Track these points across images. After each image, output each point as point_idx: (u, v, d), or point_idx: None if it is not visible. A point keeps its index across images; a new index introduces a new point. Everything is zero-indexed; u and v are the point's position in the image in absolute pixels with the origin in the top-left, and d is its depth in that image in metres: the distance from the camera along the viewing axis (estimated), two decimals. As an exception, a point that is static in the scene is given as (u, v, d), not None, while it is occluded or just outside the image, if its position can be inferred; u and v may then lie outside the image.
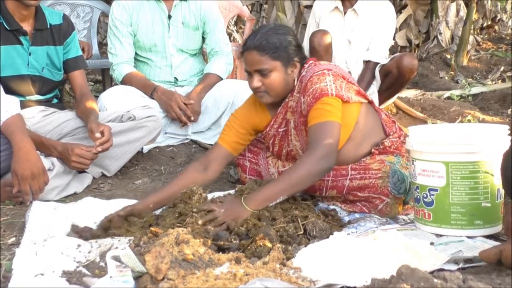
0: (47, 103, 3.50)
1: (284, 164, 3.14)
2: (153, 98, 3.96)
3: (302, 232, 2.48)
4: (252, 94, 3.01)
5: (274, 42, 2.79)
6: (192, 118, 3.94)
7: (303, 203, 2.75)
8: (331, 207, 2.87)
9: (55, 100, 3.59)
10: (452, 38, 7.35)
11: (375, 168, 2.84)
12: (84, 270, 2.17)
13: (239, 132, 3.05)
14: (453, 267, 2.11)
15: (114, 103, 3.72)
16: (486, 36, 8.33)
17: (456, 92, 5.81)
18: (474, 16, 7.42)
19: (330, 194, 2.92)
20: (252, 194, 2.60)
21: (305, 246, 2.32)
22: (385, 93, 4.51)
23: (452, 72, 6.80)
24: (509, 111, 5.26)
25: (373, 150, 2.96)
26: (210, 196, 2.76)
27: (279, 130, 3.04)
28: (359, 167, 2.87)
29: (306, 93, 2.81)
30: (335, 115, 2.73)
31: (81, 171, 3.30)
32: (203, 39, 4.26)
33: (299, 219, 2.53)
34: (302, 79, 2.86)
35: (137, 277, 2.04)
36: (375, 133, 3.01)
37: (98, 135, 3.14)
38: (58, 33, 3.45)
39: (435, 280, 1.57)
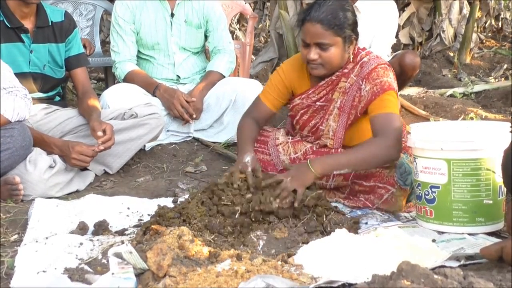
0: (49, 100, 3.51)
1: (295, 150, 3.14)
2: (155, 96, 3.96)
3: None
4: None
5: (339, 17, 2.81)
6: (194, 116, 3.94)
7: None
8: (334, 204, 2.87)
9: (57, 98, 3.60)
10: (455, 36, 7.33)
11: None
12: (86, 267, 2.18)
13: (280, 92, 3.12)
14: (455, 264, 2.11)
15: (116, 101, 3.72)
16: (489, 34, 8.30)
17: (458, 90, 5.79)
18: (478, 14, 7.40)
19: (336, 181, 2.93)
20: (319, 158, 2.74)
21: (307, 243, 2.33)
22: (387, 91, 4.50)
23: (455, 70, 6.78)
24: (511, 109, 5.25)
25: None
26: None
27: (317, 103, 3.05)
28: None
29: (370, 81, 2.85)
30: (397, 109, 2.85)
31: (84, 169, 3.30)
32: (206, 37, 4.26)
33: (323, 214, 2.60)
34: (363, 64, 2.91)
35: (139, 274, 2.05)
36: None
37: (100, 133, 3.14)
38: (60, 31, 3.46)
39: (436, 277, 1.57)
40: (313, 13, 2.81)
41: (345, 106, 2.96)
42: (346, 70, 2.96)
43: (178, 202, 2.84)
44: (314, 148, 3.09)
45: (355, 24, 2.90)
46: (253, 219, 2.50)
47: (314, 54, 2.85)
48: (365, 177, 2.87)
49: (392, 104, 2.81)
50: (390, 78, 2.87)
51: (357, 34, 2.93)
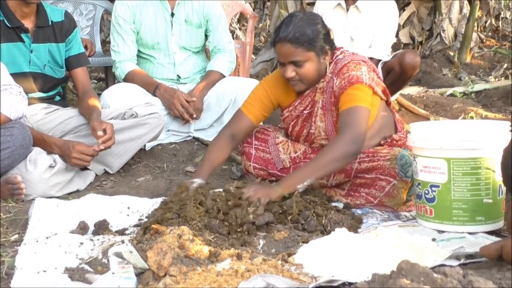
0: (49, 100, 3.51)
1: (295, 149, 3.15)
2: (155, 96, 3.96)
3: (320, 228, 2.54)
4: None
5: (307, 33, 2.83)
6: (194, 116, 3.94)
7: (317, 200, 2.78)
8: (334, 203, 2.87)
9: (57, 98, 3.60)
10: (455, 35, 7.33)
11: (384, 152, 2.89)
12: (87, 267, 2.18)
13: (264, 104, 3.13)
14: (455, 263, 2.11)
15: (116, 100, 3.72)
16: (489, 33, 8.30)
17: (459, 89, 5.80)
18: (478, 13, 7.40)
19: (337, 178, 2.94)
20: (283, 178, 2.75)
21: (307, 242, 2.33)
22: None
23: (455, 69, 6.78)
24: (512, 108, 5.25)
25: (382, 142, 3.01)
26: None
27: (304, 112, 3.08)
28: (368, 151, 2.91)
29: (340, 76, 2.88)
30: (366, 101, 2.82)
31: (84, 168, 3.30)
32: (206, 36, 4.26)
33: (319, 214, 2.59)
34: (338, 61, 2.95)
35: (139, 273, 2.05)
36: (387, 129, 3.07)
37: (100, 133, 3.14)
38: (60, 30, 3.46)
39: (435, 275, 1.57)
40: (281, 33, 2.84)
41: (326, 104, 2.99)
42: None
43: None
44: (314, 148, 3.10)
45: (326, 34, 2.91)
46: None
47: (290, 72, 2.90)
48: (367, 170, 2.88)
49: (357, 97, 2.81)
50: (361, 71, 2.87)
51: (330, 43, 2.95)
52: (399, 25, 6.67)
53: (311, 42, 2.84)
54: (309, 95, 3.04)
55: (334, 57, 2.98)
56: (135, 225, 2.67)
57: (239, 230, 2.43)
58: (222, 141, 3.06)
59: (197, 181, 2.74)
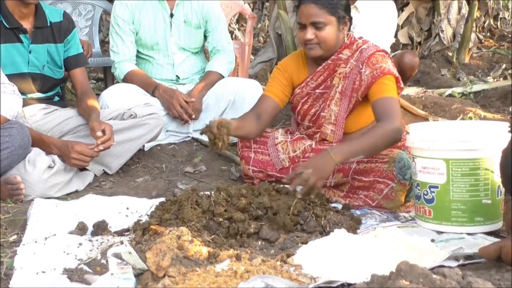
0: (48, 101, 3.51)
1: (294, 148, 3.17)
2: (154, 96, 3.96)
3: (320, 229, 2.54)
4: (297, 51, 3.22)
5: None
6: (193, 116, 3.94)
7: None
8: (333, 204, 2.87)
9: (56, 98, 3.60)
10: (454, 35, 7.33)
11: (382, 153, 2.90)
12: (86, 268, 2.18)
13: (283, 84, 3.21)
14: (453, 263, 2.11)
15: (115, 101, 3.72)
16: (488, 34, 8.31)
17: (457, 90, 5.79)
18: (476, 13, 7.40)
19: (336, 177, 2.96)
20: (338, 146, 2.83)
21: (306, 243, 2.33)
22: (386, 91, 4.50)
23: (453, 70, 6.78)
24: (510, 109, 5.23)
25: None
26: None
27: (316, 90, 3.16)
28: None
29: (370, 65, 2.97)
30: (396, 93, 2.95)
31: (83, 169, 3.30)
32: (205, 37, 4.26)
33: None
34: (362, 50, 3.05)
35: (138, 274, 2.05)
36: None
37: (99, 133, 3.14)
38: (59, 31, 3.46)
39: (434, 276, 1.57)
40: None
41: (346, 90, 3.06)
42: (342, 55, 3.09)
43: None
44: (313, 146, 3.11)
45: (347, 7, 3.06)
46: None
47: (310, 34, 2.99)
48: (364, 172, 2.90)
49: (391, 88, 2.92)
50: (389, 65, 2.99)
51: (350, 17, 3.08)
52: (398, 25, 6.68)
53: (335, 6, 2.97)
54: (321, 72, 3.13)
55: (355, 45, 3.08)
56: (134, 226, 2.67)
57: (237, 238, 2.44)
58: (248, 115, 3.15)
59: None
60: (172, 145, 3.91)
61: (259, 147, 3.25)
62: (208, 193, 2.66)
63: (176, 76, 4.17)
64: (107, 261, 2.15)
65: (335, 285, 1.94)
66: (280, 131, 3.33)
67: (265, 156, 3.21)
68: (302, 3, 3.01)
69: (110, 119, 3.42)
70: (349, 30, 3.12)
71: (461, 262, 2.14)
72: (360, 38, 3.16)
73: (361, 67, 3.00)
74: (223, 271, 2.00)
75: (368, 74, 2.96)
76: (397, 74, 3.00)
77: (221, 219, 2.46)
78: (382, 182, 2.84)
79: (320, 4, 2.96)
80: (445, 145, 2.47)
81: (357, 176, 2.92)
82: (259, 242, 2.39)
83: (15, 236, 2.55)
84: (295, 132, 3.30)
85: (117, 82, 4.24)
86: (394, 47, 6.61)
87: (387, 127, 2.78)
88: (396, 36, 6.91)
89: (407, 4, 7.54)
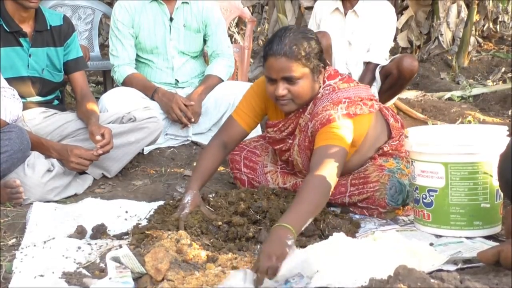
0: (48, 104, 3.51)
1: (284, 181, 3.09)
2: (153, 100, 3.96)
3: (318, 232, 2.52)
4: None
5: (305, 47, 2.60)
6: (193, 120, 3.95)
7: None
8: (332, 208, 2.87)
9: (56, 102, 3.60)
10: (453, 39, 7.34)
11: (373, 180, 2.79)
12: (84, 271, 2.18)
13: (255, 111, 2.94)
14: (452, 267, 2.11)
15: (115, 104, 3.72)
16: (487, 37, 8.32)
17: (456, 93, 5.81)
18: (475, 17, 7.42)
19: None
20: (286, 217, 2.25)
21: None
22: (385, 94, 4.51)
23: (453, 73, 6.79)
24: (509, 112, 5.25)
25: (375, 156, 2.93)
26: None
27: (287, 139, 2.93)
28: (358, 182, 2.84)
29: (314, 117, 2.68)
30: (342, 139, 2.58)
31: (82, 172, 3.30)
32: (205, 41, 4.26)
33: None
34: (316, 101, 2.73)
35: (137, 278, 2.06)
36: (381, 140, 2.95)
37: (99, 137, 3.15)
38: (58, 35, 3.46)
39: (432, 280, 1.57)
40: (275, 46, 2.59)
41: (301, 144, 2.84)
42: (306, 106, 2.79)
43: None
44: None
45: (321, 52, 2.69)
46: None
47: (282, 89, 2.64)
48: (358, 199, 2.84)
49: (331, 134, 2.58)
50: (336, 110, 2.64)
51: (324, 63, 2.73)
52: (397, 29, 6.68)
53: (308, 57, 2.61)
54: (293, 119, 2.85)
55: (321, 92, 2.75)
56: (133, 229, 2.67)
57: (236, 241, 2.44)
58: (214, 149, 2.88)
59: (188, 196, 2.66)
60: (171, 149, 3.92)
61: (249, 172, 3.20)
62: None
63: (176, 79, 4.18)
64: (105, 265, 2.15)
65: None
66: (270, 156, 3.20)
67: (256, 183, 3.16)
68: (271, 56, 2.60)
69: (110, 122, 3.42)
70: (324, 69, 2.76)
71: (459, 266, 2.14)
72: (336, 75, 2.81)
73: (309, 123, 2.72)
74: (222, 273, 2.00)
75: (311, 127, 2.70)
76: (341, 115, 2.63)
77: (220, 223, 2.46)
78: (374, 208, 2.80)
79: (291, 56, 2.56)
80: (444, 149, 2.47)
81: (350, 205, 2.88)
82: (258, 246, 2.39)
83: (14, 240, 2.55)
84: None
85: (117, 85, 4.24)
86: (393, 51, 6.62)
87: (312, 180, 2.39)
88: (395, 39, 6.92)
89: (406, 8, 7.55)
